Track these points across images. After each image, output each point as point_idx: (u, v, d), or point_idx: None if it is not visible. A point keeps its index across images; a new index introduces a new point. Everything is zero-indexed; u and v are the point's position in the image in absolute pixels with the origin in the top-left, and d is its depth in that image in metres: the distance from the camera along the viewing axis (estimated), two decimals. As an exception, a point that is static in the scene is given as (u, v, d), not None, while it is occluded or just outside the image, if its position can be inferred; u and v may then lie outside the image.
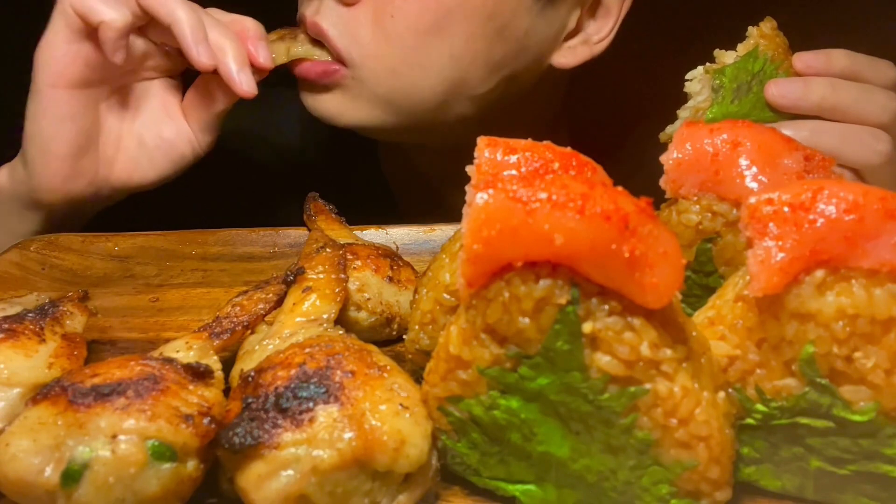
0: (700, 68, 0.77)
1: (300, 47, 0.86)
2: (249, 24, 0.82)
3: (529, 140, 0.51)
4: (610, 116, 1.09)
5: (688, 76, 0.77)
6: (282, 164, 1.10)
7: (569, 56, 0.91)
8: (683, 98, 0.78)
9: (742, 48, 0.76)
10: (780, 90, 0.74)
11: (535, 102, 0.99)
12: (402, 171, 1.09)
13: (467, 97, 0.88)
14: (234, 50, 0.77)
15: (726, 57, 0.76)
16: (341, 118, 0.89)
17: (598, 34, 0.90)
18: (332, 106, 0.89)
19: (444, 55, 0.84)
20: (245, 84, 0.77)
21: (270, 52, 0.83)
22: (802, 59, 0.75)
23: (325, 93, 0.88)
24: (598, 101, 1.11)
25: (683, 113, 0.77)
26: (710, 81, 0.76)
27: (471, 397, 0.47)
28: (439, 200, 1.06)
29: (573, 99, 1.07)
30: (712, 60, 0.78)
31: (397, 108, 0.88)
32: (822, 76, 0.74)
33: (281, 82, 1.16)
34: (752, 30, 0.76)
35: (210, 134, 0.86)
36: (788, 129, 0.72)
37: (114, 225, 0.98)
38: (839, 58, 0.74)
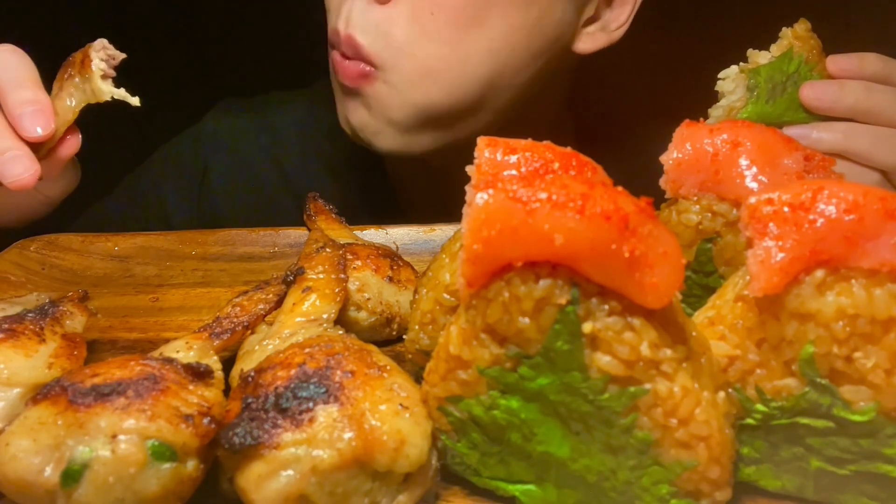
0: (734, 67, 0.77)
1: (91, 84, 0.68)
2: (11, 99, 0.67)
3: (530, 140, 0.51)
4: (614, 114, 1.09)
5: (721, 75, 0.77)
6: (282, 164, 1.10)
7: (588, 42, 0.91)
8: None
9: (776, 48, 0.76)
10: (815, 92, 0.74)
11: (546, 97, 0.99)
12: (408, 165, 1.08)
13: (501, 93, 0.87)
14: None
15: (759, 57, 0.77)
16: (377, 140, 0.87)
17: (615, 21, 0.91)
18: (369, 122, 0.86)
19: (482, 49, 0.82)
20: (13, 178, 0.64)
21: (55, 108, 0.68)
22: (836, 63, 0.76)
23: (360, 106, 0.86)
24: (602, 100, 1.11)
25: (716, 111, 0.77)
26: (745, 81, 0.76)
27: (471, 397, 0.47)
28: (446, 193, 1.05)
29: (577, 96, 1.07)
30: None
31: (432, 118, 0.85)
32: (856, 79, 0.75)
33: (280, 85, 1.17)
34: (786, 31, 0.76)
35: (59, 183, 0.82)
36: (822, 130, 0.74)
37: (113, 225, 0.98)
38: (872, 61, 0.75)
